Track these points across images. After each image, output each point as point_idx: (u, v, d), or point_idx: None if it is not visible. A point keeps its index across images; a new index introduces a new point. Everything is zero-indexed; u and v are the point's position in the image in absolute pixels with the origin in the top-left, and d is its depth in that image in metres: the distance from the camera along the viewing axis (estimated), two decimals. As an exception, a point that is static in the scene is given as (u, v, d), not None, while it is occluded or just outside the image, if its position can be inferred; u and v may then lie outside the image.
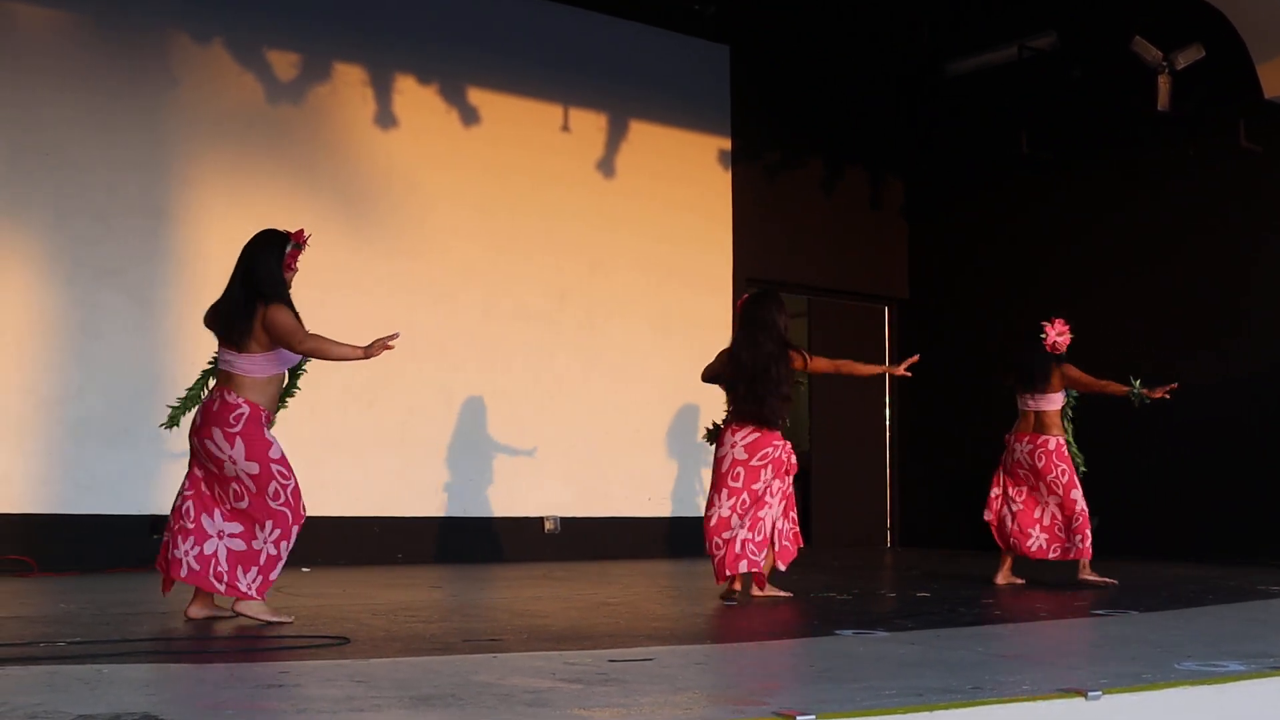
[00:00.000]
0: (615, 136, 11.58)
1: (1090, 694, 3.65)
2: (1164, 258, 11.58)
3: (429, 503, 10.29)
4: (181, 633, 5.24)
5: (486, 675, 4.00)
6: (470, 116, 10.83)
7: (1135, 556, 10.99)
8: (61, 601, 6.63)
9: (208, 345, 9.59)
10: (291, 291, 5.77)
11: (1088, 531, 8.23)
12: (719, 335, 12.10)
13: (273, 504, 5.57)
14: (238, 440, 5.52)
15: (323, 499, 9.75)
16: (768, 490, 7.00)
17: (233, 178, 9.67)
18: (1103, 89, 11.51)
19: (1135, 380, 8.40)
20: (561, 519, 10.97)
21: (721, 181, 12.26)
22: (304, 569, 9.11)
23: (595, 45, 11.55)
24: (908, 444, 13.63)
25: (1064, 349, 8.37)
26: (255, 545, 5.60)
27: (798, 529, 7.19)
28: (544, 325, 11.05)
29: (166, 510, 9.09)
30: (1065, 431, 8.41)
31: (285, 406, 5.97)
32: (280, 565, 5.67)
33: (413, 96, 10.56)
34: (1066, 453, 8.33)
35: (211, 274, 9.57)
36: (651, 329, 11.64)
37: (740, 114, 12.37)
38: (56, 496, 8.90)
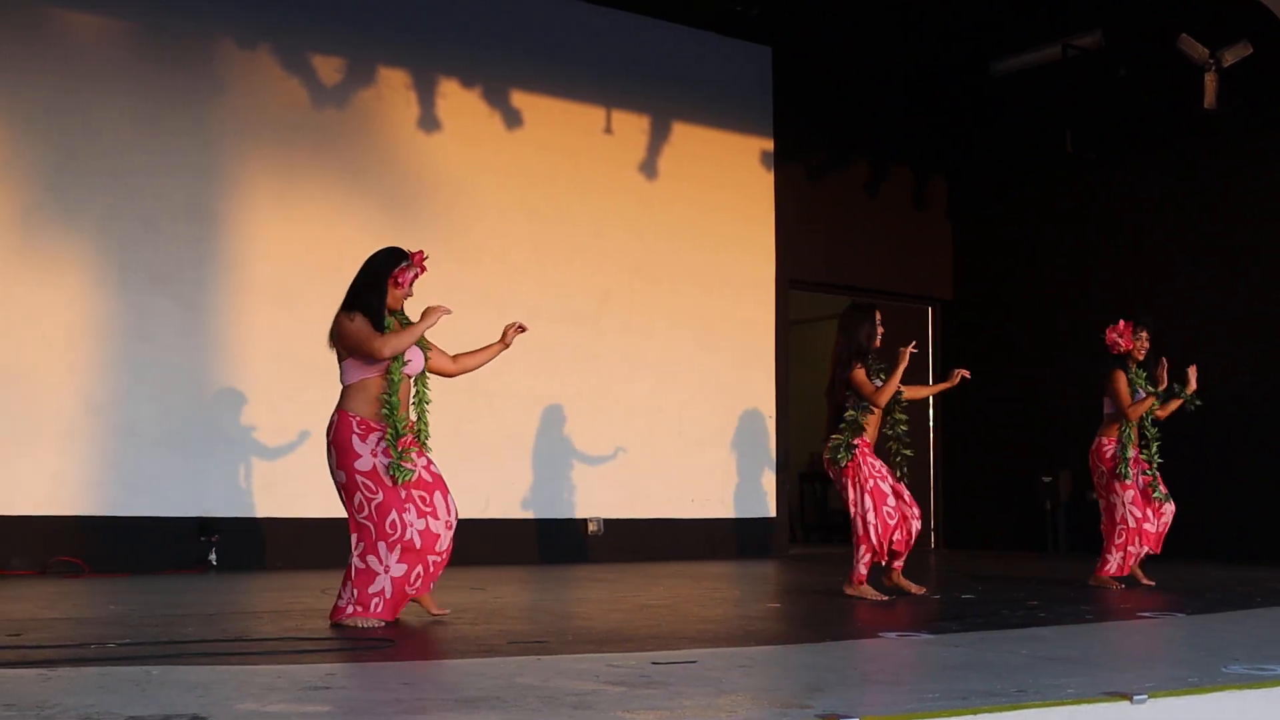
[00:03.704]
0: (657, 138, 11.60)
1: (1136, 698, 3.63)
2: (1211, 256, 11.48)
3: (472, 504, 10.32)
4: (229, 634, 5.28)
5: (530, 677, 4.02)
6: (513, 119, 10.88)
7: (1183, 558, 10.89)
8: (112, 603, 6.70)
9: (255, 347, 9.68)
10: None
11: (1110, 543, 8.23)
12: (761, 336, 12.14)
13: (358, 516, 5.57)
14: (331, 449, 5.61)
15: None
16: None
17: (279, 182, 9.76)
18: (1148, 87, 11.43)
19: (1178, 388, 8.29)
20: (605, 520, 10.99)
21: (764, 182, 12.25)
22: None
23: (637, 47, 11.57)
24: (952, 445, 13.58)
25: (1118, 352, 8.18)
26: (351, 559, 5.61)
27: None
28: (588, 329, 11.09)
29: (215, 512, 9.28)
30: (1122, 434, 8.16)
31: (421, 418, 5.79)
32: (379, 580, 5.52)
33: (456, 100, 10.62)
34: (1107, 455, 8.21)
35: (258, 277, 9.75)
36: (694, 330, 11.65)
37: (783, 115, 12.36)
38: (107, 499, 9.01)
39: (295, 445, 9.52)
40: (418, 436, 5.72)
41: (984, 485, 13.15)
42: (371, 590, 5.54)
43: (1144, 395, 8.13)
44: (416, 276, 5.80)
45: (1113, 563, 8.19)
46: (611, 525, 10.99)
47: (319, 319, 6.03)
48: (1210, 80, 10.45)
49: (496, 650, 4.83)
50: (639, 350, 11.35)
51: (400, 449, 5.54)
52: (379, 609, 5.53)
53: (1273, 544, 10.73)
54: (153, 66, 9.43)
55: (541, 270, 10.89)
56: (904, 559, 7.53)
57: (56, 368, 8.94)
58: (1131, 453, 8.12)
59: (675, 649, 4.85)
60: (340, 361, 5.69)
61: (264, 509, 9.49)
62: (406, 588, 5.60)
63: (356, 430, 5.58)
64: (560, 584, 8.45)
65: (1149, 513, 8.18)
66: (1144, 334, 8.15)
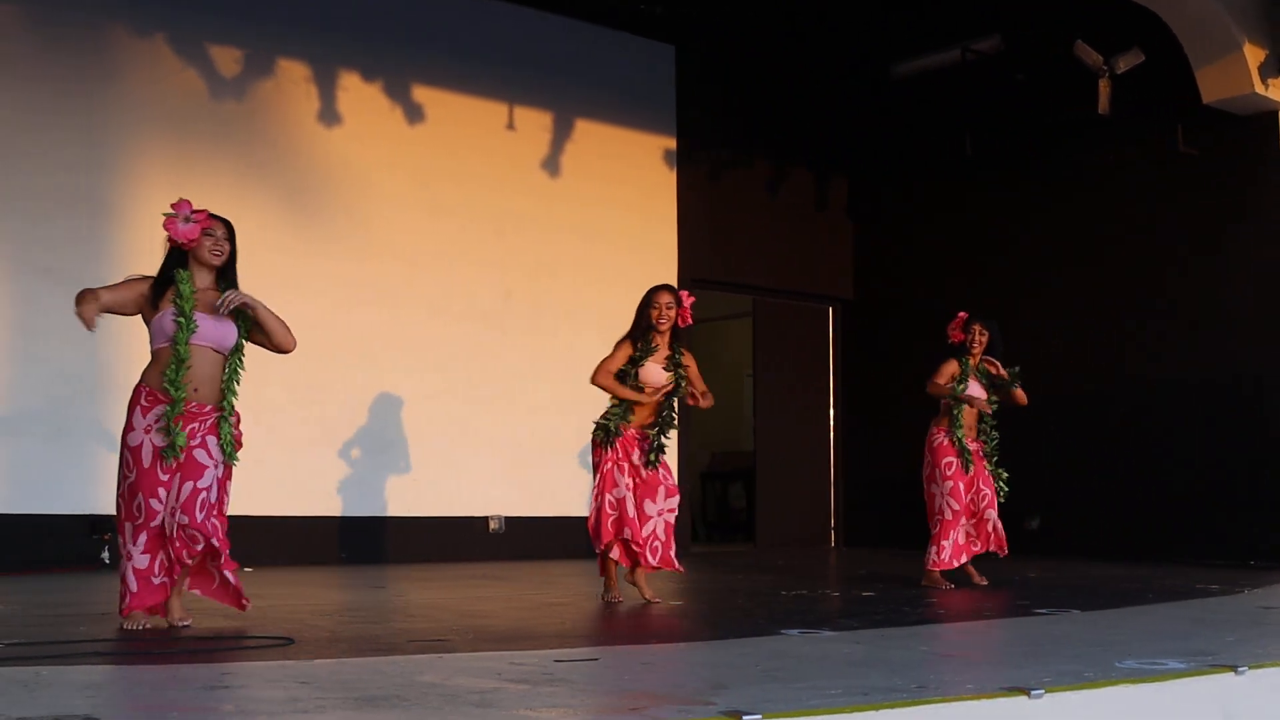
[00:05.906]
0: (560, 135, 11.56)
1: (1033, 692, 3.68)
2: (1104, 259, 11.69)
3: (372, 502, 10.23)
4: (123, 634, 5.16)
5: (432, 676, 3.98)
6: (415, 114, 10.78)
7: (1077, 556, 11.09)
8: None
9: (147, 342, 9.46)
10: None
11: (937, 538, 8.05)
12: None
13: (116, 491, 5.37)
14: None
15: (266, 498, 9.69)
16: None
17: (174, 174, 9.56)
18: (1045, 92, 11.60)
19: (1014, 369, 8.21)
20: (505, 518, 10.94)
21: (666, 181, 12.27)
22: (247, 569, 9.01)
23: (541, 44, 11.52)
24: (852, 444, 13.69)
25: (955, 343, 8.21)
26: None
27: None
28: (489, 326, 11.02)
29: (106, 509, 9.05)
30: (948, 422, 8.11)
31: (227, 396, 5.40)
32: (125, 568, 5.26)
33: (357, 94, 10.50)
34: (936, 444, 8.13)
35: (151, 270, 9.52)
36: (596, 328, 11.52)
37: (686, 114, 12.39)
38: (-6, 496, 8.78)
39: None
40: (219, 416, 5.34)
41: (883, 484, 13.25)
42: (125, 581, 5.25)
43: (958, 385, 8.03)
44: (190, 224, 5.38)
45: (933, 554, 8.01)
46: (513, 523, 10.94)
47: (213, 313, 5.89)
48: (1104, 86, 10.63)
49: (397, 648, 4.78)
50: (542, 348, 11.30)
51: (174, 427, 5.20)
52: (129, 603, 5.24)
53: (1160, 542, 10.94)
54: (43, 54, 9.19)
55: (444, 267, 10.81)
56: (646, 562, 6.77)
57: (-58, 362, 8.70)
58: (971, 446, 8.08)
59: (577, 647, 4.84)
60: None
61: (158, 507, 9.29)
62: (152, 579, 5.25)
63: (143, 401, 5.30)
64: (461, 582, 8.39)
65: (971, 505, 8.05)
66: (976, 328, 8.13)
